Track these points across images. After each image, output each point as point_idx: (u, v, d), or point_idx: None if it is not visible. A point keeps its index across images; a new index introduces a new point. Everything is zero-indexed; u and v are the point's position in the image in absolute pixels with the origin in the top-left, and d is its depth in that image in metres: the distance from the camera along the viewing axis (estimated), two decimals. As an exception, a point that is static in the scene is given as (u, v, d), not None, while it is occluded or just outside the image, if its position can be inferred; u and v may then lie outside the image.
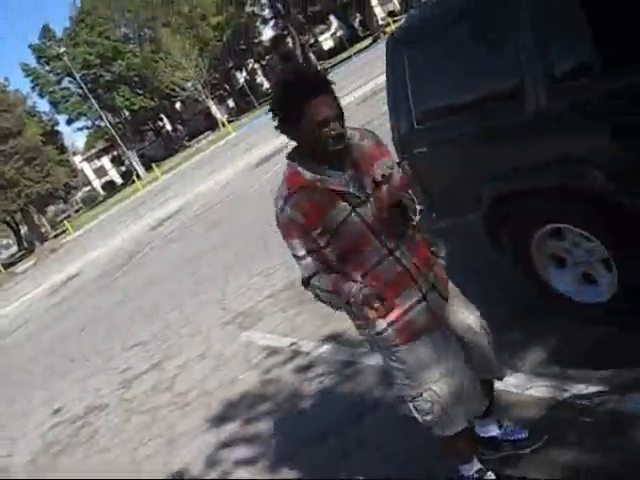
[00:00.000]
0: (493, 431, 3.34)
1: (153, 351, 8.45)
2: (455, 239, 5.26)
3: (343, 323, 5.68)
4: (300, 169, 2.64)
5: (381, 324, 2.74)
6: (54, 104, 67.38)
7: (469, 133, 4.00)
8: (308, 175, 2.62)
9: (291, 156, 2.72)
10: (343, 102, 2.68)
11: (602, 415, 3.24)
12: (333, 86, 2.61)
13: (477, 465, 3.12)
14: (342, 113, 2.59)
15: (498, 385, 3.69)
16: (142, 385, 7.40)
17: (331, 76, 2.64)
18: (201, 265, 11.86)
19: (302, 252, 2.73)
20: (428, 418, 2.88)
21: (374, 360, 4.77)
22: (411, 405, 2.90)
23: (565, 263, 3.98)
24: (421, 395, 2.83)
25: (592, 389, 3.41)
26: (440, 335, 2.83)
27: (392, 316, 2.73)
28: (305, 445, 4.38)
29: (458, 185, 4.25)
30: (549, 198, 3.76)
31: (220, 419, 5.42)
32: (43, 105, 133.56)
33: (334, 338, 5.61)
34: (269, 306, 7.44)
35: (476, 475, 3.10)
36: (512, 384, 3.74)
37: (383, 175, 2.67)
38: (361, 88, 22.72)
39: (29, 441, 7.82)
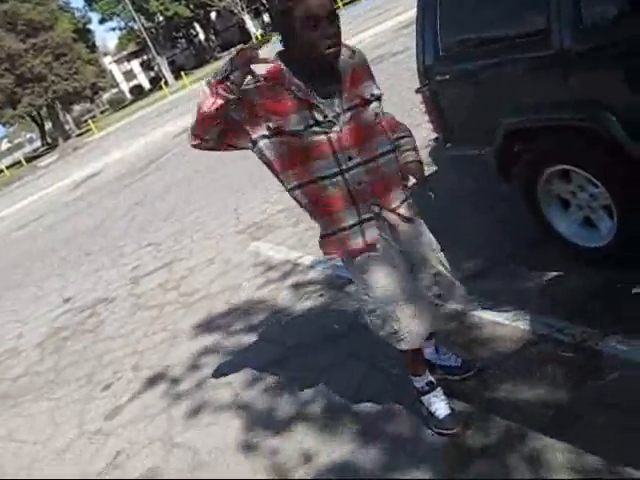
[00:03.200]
0: (428, 354, 3.51)
1: (165, 252, 8.67)
2: (467, 169, 5.38)
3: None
4: (283, 69, 2.61)
5: (322, 229, 2.92)
6: (88, 1, 66.65)
7: (493, 65, 4.05)
8: (287, 74, 2.60)
9: (281, 55, 2.67)
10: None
11: (580, 352, 3.37)
12: None
13: (427, 378, 3.31)
14: (336, 14, 2.51)
15: (483, 315, 3.89)
16: (150, 282, 7.64)
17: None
18: (221, 174, 11.98)
19: (227, 69, 2.52)
20: (382, 333, 3.03)
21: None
22: (367, 318, 3.07)
23: (569, 205, 4.08)
24: (375, 311, 2.98)
25: (577, 328, 3.53)
26: (389, 255, 2.89)
27: (328, 229, 2.87)
28: (289, 355, 4.59)
29: (476, 116, 4.32)
30: (561, 139, 3.83)
31: (219, 321, 5.64)
32: (77, 1, 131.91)
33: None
34: (282, 220, 7.59)
35: (426, 387, 3.31)
36: (497, 315, 3.90)
37: (371, 94, 2.74)
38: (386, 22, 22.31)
39: (39, 325, 8.11)
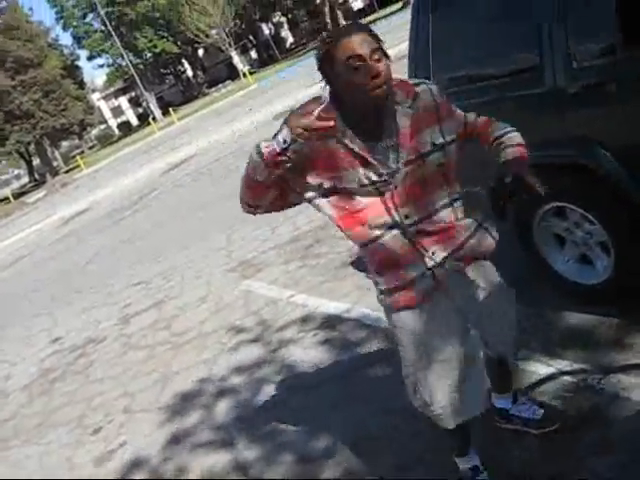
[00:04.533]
0: (506, 404, 3.25)
1: (155, 290, 8.59)
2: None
3: (343, 281, 5.85)
4: (339, 119, 2.30)
5: (380, 284, 2.58)
6: (77, 39, 67.18)
7: (485, 102, 4.04)
8: (340, 128, 2.31)
9: (332, 103, 2.34)
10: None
11: (583, 391, 3.33)
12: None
13: (473, 461, 3.00)
14: (384, 53, 2.26)
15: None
16: (141, 322, 7.54)
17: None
18: (209, 212, 11.94)
19: (286, 140, 2.22)
20: (415, 403, 2.74)
21: (371, 318, 4.89)
22: (405, 381, 2.74)
23: (564, 242, 4.05)
24: (408, 376, 2.69)
25: (576, 366, 3.50)
26: (436, 317, 2.55)
27: (390, 283, 2.53)
28: (291, 394, 4.51)
29: (469, 154, 4.30)
30: (556, 176, 3.80)
31: (213, 362, 5.55)
32: (66, 39, 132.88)
33: (332, 294, 5.72)
34: (272, 257, 7.55)
35: (470, 472, 2.99)
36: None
37: (433, 144, 2.43)
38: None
39: (27, 366, 7.99)
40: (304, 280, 6.37)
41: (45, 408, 6.34)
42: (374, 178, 2.36)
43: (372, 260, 2.55)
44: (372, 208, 2.40)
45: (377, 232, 2.43)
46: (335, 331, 5.05)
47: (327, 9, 63.08)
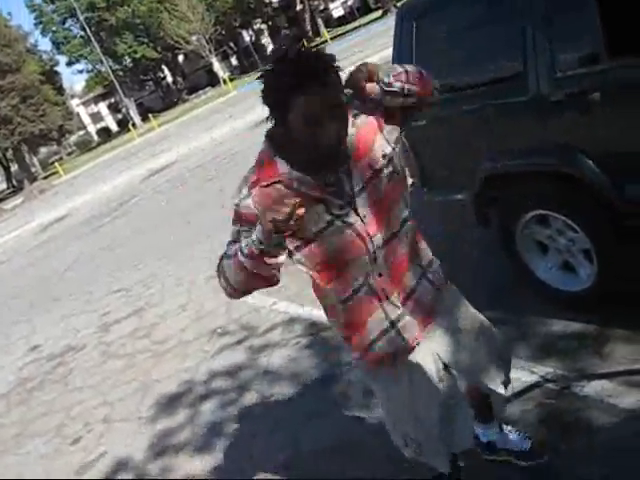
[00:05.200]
0: (492, 435, 3.13)
1: (135, 298, 8.52)
2: (445, 215, 5.36)
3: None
4: (278, 159, 2.15)
5: (354, 354, 2.50)
6: (56, 44, 66.59)
7: (469, 111, 4.06)
8: (285, 169, 2.13)
9: (272, 137, 2.20)
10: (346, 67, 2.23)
11: (565, 398, 3.33)
12: (338, 72, 2.06)
13: None
14: (342, 107, 2.09)
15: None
16: (121, 330, 7.47)
17: (336, 48, 2.12)
18: (190, 219, 11.87)
19: (240, 240, 2.16)
20: (406, 453, 2.66)
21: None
22: (389, 433, 2.68)
23: (547, 250, 4.06)
24: (393, 431, 2.64)
25: (559, 373, 3.50)
26: (413, 368, 2.44)
27: (360, 348, 2.43)
28: (274, 401, 4.49)
29: (453, 161, 4.31)
30: (539, 184, 3.83)
31: (195, 370, 5.50)
32: (45, 44, 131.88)
33: (315, 302, 5.66)
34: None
35: None
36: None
37: (384, 155, 2.23)
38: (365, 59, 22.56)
39: (4, 375, 7.90)
40: (286, 287, 6.32)
41: (23, 418, 6.26)
42: (336, 212, 2.17)
43: (344, 321, 2.42)
44: (349, 247, 2.22)
45: (357, 281, 2.28)
46: (318, 337, 5.03)
47: (308, 16, 63.31)
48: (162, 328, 6.92)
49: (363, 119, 2.23)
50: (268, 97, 2.09)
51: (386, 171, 2.24)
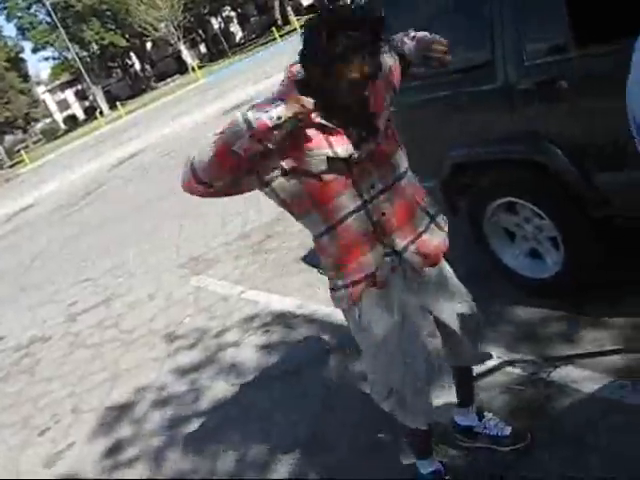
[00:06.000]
0: (472, 421, 3.14)
1: (103, 287, 8.44)
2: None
3: (294, 277, 5.82)
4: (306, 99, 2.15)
5: (336, 282, 2.49)
6: (21, 30, 65.70)
7: (438, 98, 4.06)
8: (309, 104, 2.13)
9: (299, 84, 2.25)
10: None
11: (533, 384, 3.35)
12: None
13: (434, 466, 2.97)
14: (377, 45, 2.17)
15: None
16: (88, 320, 7.40)
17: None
18: (158, 208, 11.79)
19: (281, 117, 2.11)
20: (384, 405, 2.67)
21: (322, 313, 4.87)
22: (370, 384, 2.70)
23: (515, 237, 4.09)
24: (375, 382, 2.64)
25: (526, 359, 3.53)
26: (406, 310, 2.49)
27: (348, 277, 2.44)
28: (242, 392, 4.47)
29: (422, 149, 4.30)
30: (507, 171, 3.84)
31: (163, 360, 5.47)
32: (10, 30, 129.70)
33: (284, 289, 5.68)
34: (222, 253, 7.48)
35: (430, 476, 2.95)
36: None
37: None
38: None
39: (-31, 366, 7.79)
40: (255, 276, 6.32)
41: (-11, 409, 6.18)
42: (343, 154, 2.27)
43: (333, 248, 2.42)
44: (336, 181, 2.30)
45: (345, 210, 2.34)
46: (287, 327, 5.02)
47: (277, 4, 63.02)
48: (130, 317, 6.86)
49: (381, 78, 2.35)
50: (323, 52, 2.10)
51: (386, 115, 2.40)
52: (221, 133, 2.16)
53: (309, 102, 2.10)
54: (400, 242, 2.44)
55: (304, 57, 2.18)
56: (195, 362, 5.15)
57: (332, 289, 2.53)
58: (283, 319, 5.17)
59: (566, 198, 3.60)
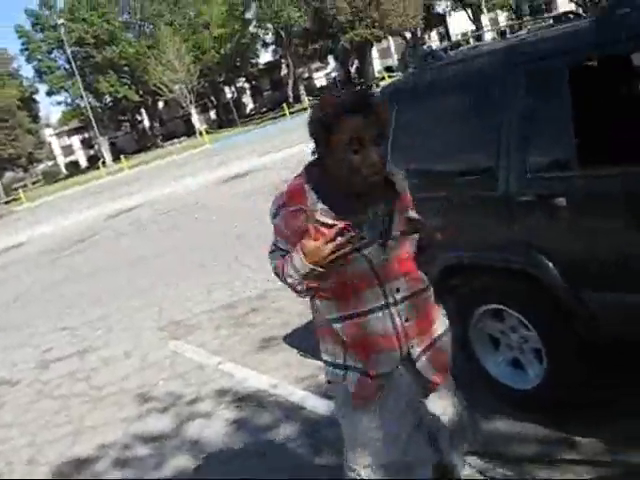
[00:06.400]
0: None
1: (80, 338, 8.32)
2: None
3: (273, 355, 5.74)
4: (307, 188, 2.30)
5: (337, 369, 2.50)
6: (39, 73, 66.70)
7: (437, 198, 4.10)
8: (312, 200, 2.27)
9: (308, 169, 2.37)
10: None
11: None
12: (386, 110, 2.32)
13: None
14: (384, 137, 2.29)
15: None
16: (60, 369, 7.27)
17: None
18: (147, 265, 11.77)
19: (285, 247, 2.39)
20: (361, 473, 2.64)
21: (297, 396, 4.81)
22: (346, 470, 2.71)
23: (499, 344, 4.08)
24: (352, 470, 2.65)
25: (499, 470, 3.47)
26: (393, 415, 2.51)
27: (362, 365, 2.45)
28: (205, 465, 4.38)
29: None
30: (498, 278, 3.86)
31: (130, 422, 5.35)
32: (27, 71, 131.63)
33: (261, 366, 5.62)
34: (204, 321, 7.41)
35: None
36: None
37: (417, 221, 2.50)
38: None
39: None
40: (234, 348, 6.26)
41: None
42: (361, 245, 2.31)
43: (348, 339, 2.43)
44: (360, 277, 2.34)
45: (367, 306, 2.37)
46: (259, 406, 4.93)
47: (291, 82, 64.41)
48: (103, 373, 6.75)
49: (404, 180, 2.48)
50: (315, 123, 2.25)
51: (412, 238, 2.47)
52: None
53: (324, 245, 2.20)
54: (416, 350, 2.49)
55: (312, 136, 2.28)
56: (163, 428, 5.05)
57: (332, 373, 2.54)
58: (257, 397, 5.09)
59: (555, 312, 3.61)
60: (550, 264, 3.48)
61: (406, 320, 2.43)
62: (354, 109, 2.17)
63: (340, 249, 2.21)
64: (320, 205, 2.26)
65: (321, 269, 2.23)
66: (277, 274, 2.45)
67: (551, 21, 5.36)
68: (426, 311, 2.53)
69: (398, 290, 2.41)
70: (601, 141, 3.51)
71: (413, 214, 2.55)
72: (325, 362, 2.57)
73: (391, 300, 2.39)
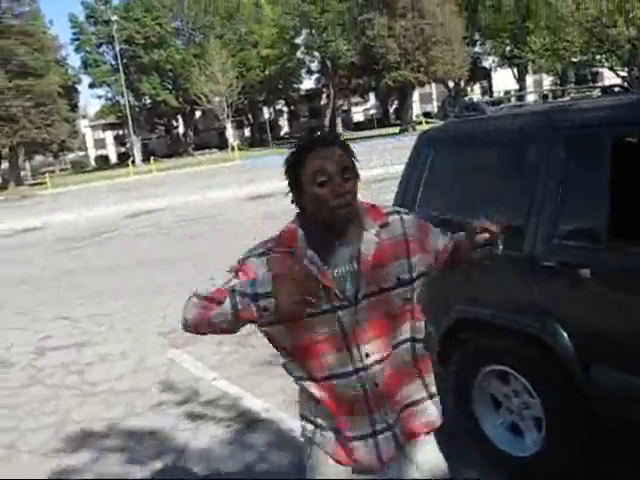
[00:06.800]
0: None
1: (81, 331, 8.31)
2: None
3: (270, 379, 5.67)
4: (299, 233, 2.25)
5: (324, 426, 2.35)
6: (85, 64, 67.66)
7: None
8: (302, 244, 2.22)
9: (299, 214, 2.32)
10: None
11: None
12: (351, 152, 2.24)
13: None
14: (353, 172, 2.20)
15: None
16: (56, 359, 7.25)
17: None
18: (160, 269, 11.78)
19: (229, 285, 2.18)
20: None
21: (287, 425, 4.74)
22: None
23: (500, 407, 4.00)
24: None
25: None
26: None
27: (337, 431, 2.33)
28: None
29: (431, 295, 4.28)
30: (509, 340, 3.79)
31: (115, 423, 5.30)
32: (74, 60, 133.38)
33: (256, 389, 5.55)
34: (207, 335, 7.34)
35: None
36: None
37: (398, 279, 2.27)
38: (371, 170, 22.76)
39: None
40: (232, 367, 6.20)
41: None
42: (335, 304, 2.20)
43: (314, 400, 2.33)
44: (327, 340, 2.22)
45: (327, 371, 2.25)
46: (248, 428, 4.87)
47: (329, 112, 64.84)
48: (97, 370, 6.71)
49: (393, 235, 2.30)
50: (286, 165, 2.27)
51: (398, 294, 2.27)
52: (201, 307, 2.20)
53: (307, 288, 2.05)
54: (391, 415, 2.33)
55: (288, 182, 2.29)
56: (145, 437, 4.98)
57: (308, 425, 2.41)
58: (247, 419, 5.03)
59: (562, 384, 3.53)
60: (565, 335, 3.41)
61: (375, 385, 2.27)
62: (315, 145, 2.21)
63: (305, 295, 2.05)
64: (309, 251, 2.21)
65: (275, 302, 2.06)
66: (189, 308, 2.25)
67: (598, 92, 5.35)
68: (398, 375, 2.33)
69: (368, 355, 2.24)
70: (634, 218, 3.46)
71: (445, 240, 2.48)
72: (300, 415, 2.45)
73: (360, 365, 2.24)
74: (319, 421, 2.36)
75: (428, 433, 2.44)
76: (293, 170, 2.24)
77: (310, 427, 2.39)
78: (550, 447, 3.63)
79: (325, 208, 2.15)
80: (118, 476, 4.45)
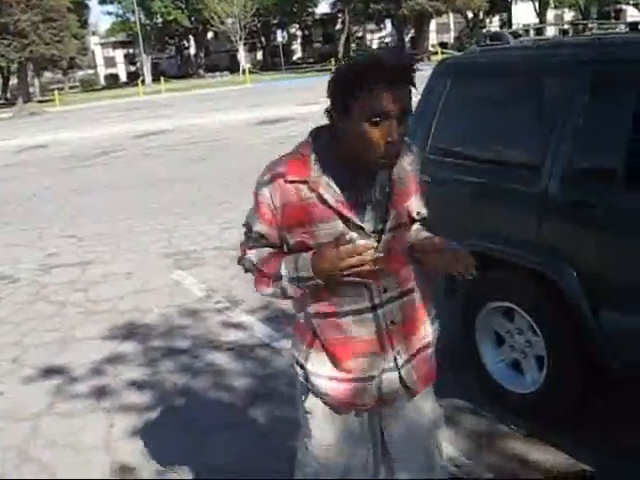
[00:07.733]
0: None
1: (86, 249, 8.32)
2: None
3: (272, 304, 5.64)
4: (312, 160, 2.03)
5: (318, 373, 2.22)
6: (96, -21, 66.27)
7: (471, 182, 3.99)
8: (316, 172, 2.01)
9: (315, 134, 2.09)
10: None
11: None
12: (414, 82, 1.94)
13: None
14: (409, 112, 1.94)
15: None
16: (61, 276, 7.27)
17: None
18: (167, 190, 11.72)
19: (258, 228, 2.13)
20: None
21: (287, 352, 4.74)
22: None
23: (502, 343, 3.98)
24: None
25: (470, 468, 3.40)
26: (367, 436, 2.32)
27: (336, 374, 2.20)
28: (179, 402, 4.36)
29: (443, 226, 4.22)
30: (517, 277, 3.75)
31: (118, 343, 5.33)
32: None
33: (260, 313, 5.55)
34: (212, 257, 7.36)
35: None
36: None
37: (418, 213, 2.19)
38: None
39: None
40: (235, 290, 6.18)
41: None
42: (354, 235, 2.04)
43: (323, 336, 2.19)
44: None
45: (344, 306, 2.13)
46: (250, 353, 4.88)
47: (343, 38, 63.64)
48: (102, 288, 6.73)
49: (412, 163, 2.17)
50: (340, 80, 1.93)
51: (415, 228, 2.23)
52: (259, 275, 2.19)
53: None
54: (403, 356, 2.22)
55: (331, 96, 1.98)
56: (146, 357, 5.02)
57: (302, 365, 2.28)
58: (249, 344, 5.04)
59: (566, 324, 3.50)
60: (573, 273, 3.36)
61: (392, 323, 2.17)
62: (391, 78, 1.86)
63: (359, 266, 1.97)
64: (324, 178, 2.01)
65: (320, 281, 2.01)
66: (250, 270, 2.22)
67: (623, 27, 5.16)
68: (413, 314, 2.25)
69: (385, 290, 2.14)
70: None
71: (423, 210, 2.26)
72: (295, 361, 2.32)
73: (377, 301, 2.13)
74: (312, 366, 2.23)
75: (429, 384, 2.38)
76: (349, 92, 1.89)
77: (302, 372, 2.27)
78: (550, 386, 3.62)
79: (371, 151, 1.92)
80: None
